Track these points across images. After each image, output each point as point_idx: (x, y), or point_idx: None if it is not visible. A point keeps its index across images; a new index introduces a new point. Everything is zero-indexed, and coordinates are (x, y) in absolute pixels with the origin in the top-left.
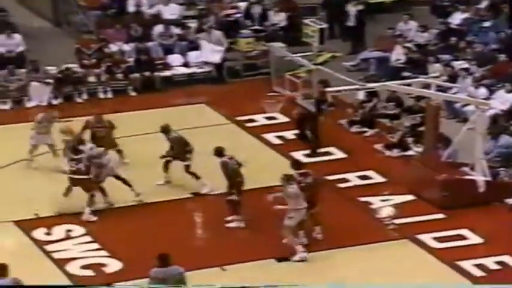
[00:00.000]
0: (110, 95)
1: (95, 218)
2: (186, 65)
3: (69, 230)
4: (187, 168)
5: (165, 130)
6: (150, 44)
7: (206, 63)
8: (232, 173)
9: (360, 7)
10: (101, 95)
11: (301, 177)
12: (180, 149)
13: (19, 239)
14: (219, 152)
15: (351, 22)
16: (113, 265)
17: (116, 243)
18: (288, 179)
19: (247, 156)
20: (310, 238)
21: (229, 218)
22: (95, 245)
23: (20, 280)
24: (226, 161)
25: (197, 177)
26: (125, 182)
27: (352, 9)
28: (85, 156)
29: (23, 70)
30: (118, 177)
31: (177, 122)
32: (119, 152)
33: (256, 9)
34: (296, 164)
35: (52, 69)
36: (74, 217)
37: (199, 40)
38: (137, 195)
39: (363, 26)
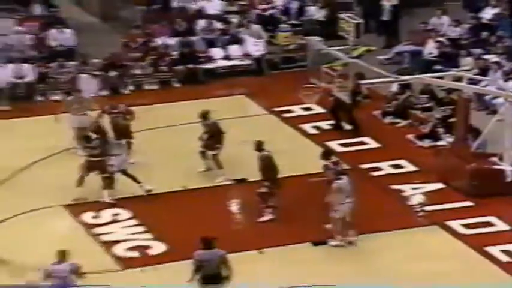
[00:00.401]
0: (155, 87)
1: (113, 202)
2: (227, 58)
3: (115, 214)
4: (214, 156)
5: (204, 115)
6: (193, 38)
7: (246, 56)
8: (272, 166)
9: (395, 2)
10: (147, 87)
11: (334, 166)
12: (213, 137)
13: (68, 222)
14: (259, 145)
15: (386, 17)
16: (158, 247)
17: (160, 227)
18: (337, 173)
19: (287, 146)
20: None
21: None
22: (141, 228)
23: (78, 265)
24: (265, 154)
25: (220, 167)
26: (133, 178)
27: (386, 4)
28: (99, 143)
29: (73, 63)
30: (125, 173)
31: (218, 112)
32: (129, 144)
33: (294, 5)
34: (326, 153)
35: (99, 62)
36: (121, 201)
37: (240, 34)
38: (148, 191)
39: (397, 20)
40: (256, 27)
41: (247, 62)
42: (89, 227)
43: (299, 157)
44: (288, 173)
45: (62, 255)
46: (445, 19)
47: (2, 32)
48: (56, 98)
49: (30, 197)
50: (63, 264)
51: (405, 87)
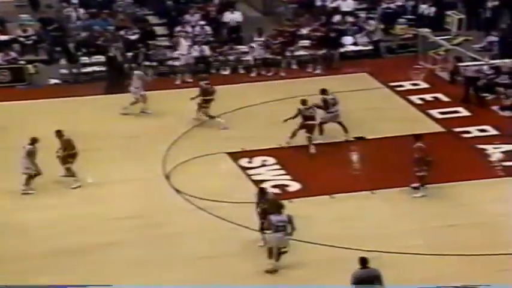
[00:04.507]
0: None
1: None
2: (355, 44)
3: (264, 160)
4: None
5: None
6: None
7: (369, 42)
8: None
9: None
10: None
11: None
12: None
13: (229, 165)
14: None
15: (488, 14)
16: (294, 186)
17: (296, 171)
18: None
19: (398, 113)
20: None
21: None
22: (282, 171)
23: (292, 216)
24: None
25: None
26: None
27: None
28: None
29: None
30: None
31: (345, 86)
32: None
33: (410, 3)
34: (417, 136)
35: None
36: (268, 151)
37: (366, 26)
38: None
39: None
40: (372, 22)
41: (370, 47)
42: (244, 169)
43: (407, 121)
44: (398, 133)
45: (280, 208)
46: None
47: (193, 23)
48: (226, 72)
49: (203, 145)
50: (280, 216)
51: (497, 69)
